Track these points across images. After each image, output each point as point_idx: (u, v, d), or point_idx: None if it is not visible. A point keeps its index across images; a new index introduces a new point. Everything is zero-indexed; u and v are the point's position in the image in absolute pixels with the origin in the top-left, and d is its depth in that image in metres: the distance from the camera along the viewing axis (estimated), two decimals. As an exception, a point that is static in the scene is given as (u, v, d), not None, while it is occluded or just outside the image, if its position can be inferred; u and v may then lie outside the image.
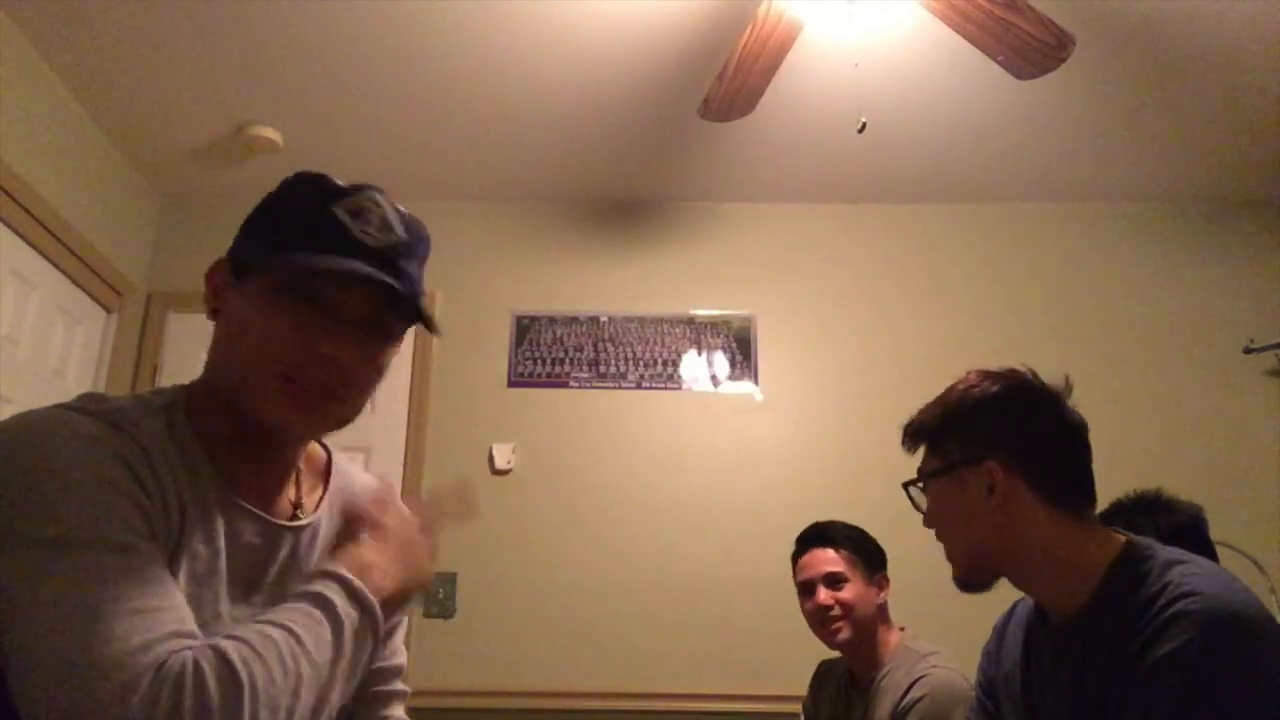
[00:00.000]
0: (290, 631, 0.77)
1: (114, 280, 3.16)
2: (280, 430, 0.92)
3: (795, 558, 2.20)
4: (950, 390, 1.29)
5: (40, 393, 2.75)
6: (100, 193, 3.12)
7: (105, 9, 2.56)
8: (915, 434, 1.30)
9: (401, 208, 0.96)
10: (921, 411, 1.30)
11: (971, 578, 1.25)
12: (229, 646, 0.74)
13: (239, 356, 0.90)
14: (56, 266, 2.87)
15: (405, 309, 0.93)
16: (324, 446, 1.08)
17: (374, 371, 0.94)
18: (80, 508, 0.76)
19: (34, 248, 2.76)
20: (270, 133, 3.08)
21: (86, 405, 0.85)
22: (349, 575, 0.83)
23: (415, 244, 0.95)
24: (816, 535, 2.17)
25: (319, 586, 0.82)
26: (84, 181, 3.01)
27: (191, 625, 0.77)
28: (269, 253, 0.90)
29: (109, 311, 3.18)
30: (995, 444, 1.21)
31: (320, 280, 0.89)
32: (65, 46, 2.71)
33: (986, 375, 1.27)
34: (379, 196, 0.93)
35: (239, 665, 0.72)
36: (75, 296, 3.00)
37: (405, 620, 1.14)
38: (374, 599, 0.84)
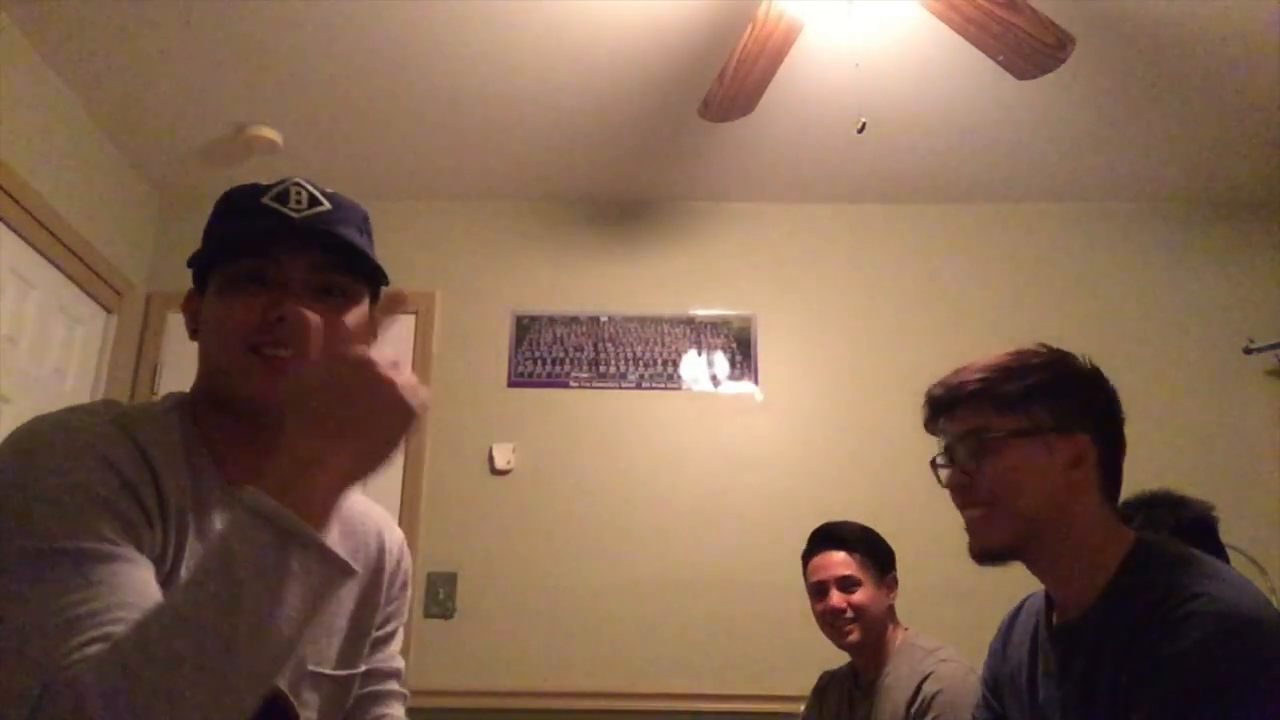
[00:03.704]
0: (164, 601, 0.72)
1: (114, 280, 3.16)
2: (264, 402, 0.89)
3: (806, 557, 2.18)
4: (1021, 356, 1.25)
5: (40, 393, 2.76)
6: (100, 193, 3.11)
7: (105, 9, 2.56)
8: (978, 393, 1.23)
9: (329, 190, 1.01)
10: (985, 369, 1.24)
11: (1010, 547, 1.20)
12: (89, 664, 0.69)
13: (215, 348, 0.95)
14: (56, 266, 2.87)
15: (349, 265, 0.97)
16: None
17: (339, 331, 0.96)
18: (45, 519, 0.77)
19: (34, 248, 2.75)
20: (270, 133, 3.08)
21: (97, 407, 0.90)
22: (251, 494, 0.71)
23: (344, 211, 0.99)
24: (829, 536, 2.15)
25: (223, 526, 0.74)
26: (84, 181, 3.01)
27: (123, 627, 0.73)
28: (214, 255, 0.96)
29: (109, 311, 3.18)
30: (1088, 420, 1.21)
31: (262, 261, 0.94)
32: (65, 46, 2.71)
33: (1061, 351, 1.26)
34: (302, 180, 0.99)
35: (89, 686, 0.67)
36: (75, 296, 3.00)
37: (402, 625, 1.14)
38: (284, 512, 0.70)
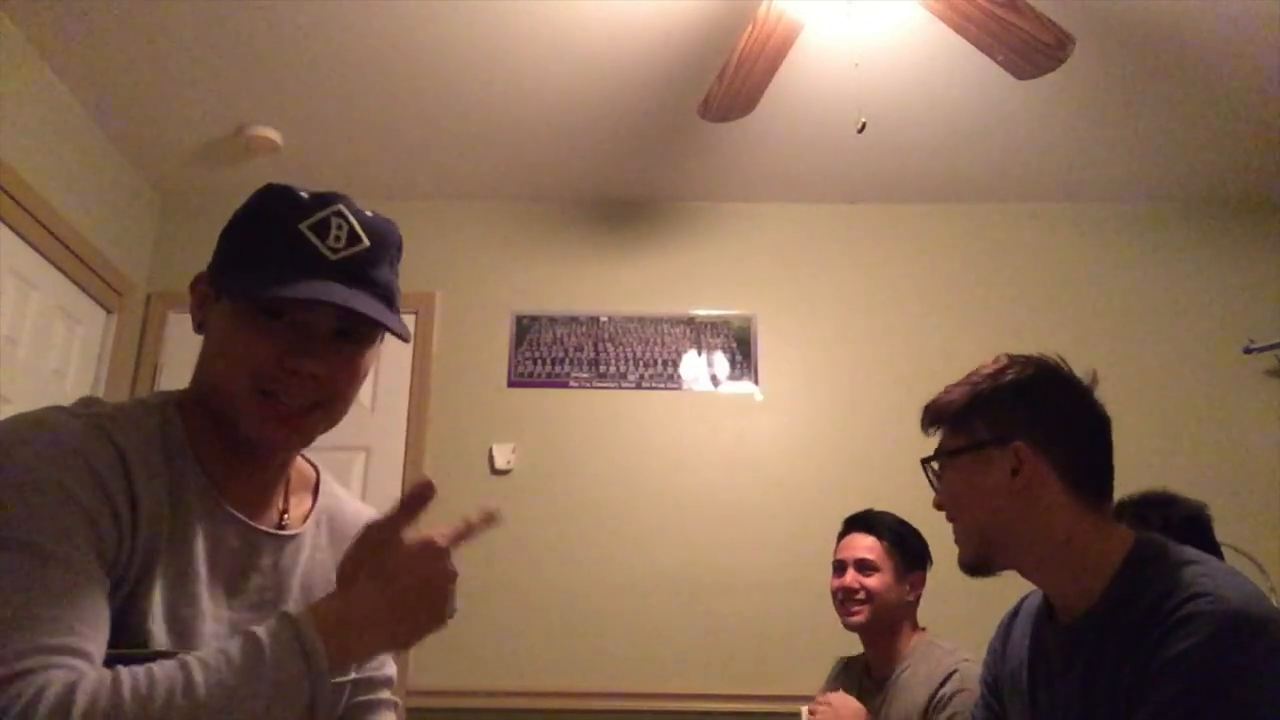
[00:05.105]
0: (186, 672, 0.75)
1: (114, 280, 3.16)
2: (267, 445, 0.95)
3: (839, 537, 2.26)
4: (978, 372, 1.29)
5: (40, 393, 2.75)
6: (100, 193, 3.11)
7: (105, 9, 2.56)
8: (938, 413, 1.29)
9: (369, 212, 0.97)
10: (946, 391, 1.29)
11: (980, 560, 1.25)
12: (85, 683, 0.72)
13: (221, 374, 0.93)
14: (56, 266, 2.87)
15: (374, 320, 0.94)
16: (313, 465, 1.09)
17: (353, 377, 0.96)
18: (17, 510, 0.77)
19: (34, 248, 2.75)
20: (270, 133, 3.08)
21: (78, 408, 0.88)
22: (304, 626, 0.79)
23: (382, 249, 0.96)
24: (861, 520, 2.23)
25: (263, 628, 0.79)
26: (84, 181, 3.01)
27: (83, 643, 0.76)
28: (241, 274, 0.93)
29: (109, 311, 3.18)
30: (1026, 426, 1.22)
31: (290, 303, 0.91)
32: (65, 46, 2.71)
33: (1018, 359, 1.28)
34: (344, 208, 0.95)
35: (78, 704, 0.71)
36: (75, 296, 3.00)
37: None
38: (323, 655, 0.78)
